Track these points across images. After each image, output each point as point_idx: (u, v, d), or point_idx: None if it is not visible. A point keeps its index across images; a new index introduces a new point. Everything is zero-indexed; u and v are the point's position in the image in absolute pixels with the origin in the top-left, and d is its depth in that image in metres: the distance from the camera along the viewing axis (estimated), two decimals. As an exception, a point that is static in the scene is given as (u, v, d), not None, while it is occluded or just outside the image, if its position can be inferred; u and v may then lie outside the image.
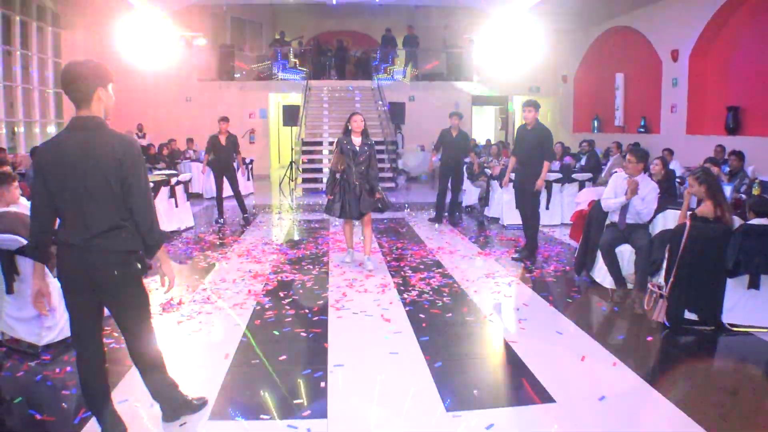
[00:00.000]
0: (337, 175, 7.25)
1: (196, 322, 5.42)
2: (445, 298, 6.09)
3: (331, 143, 17.41)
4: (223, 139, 10.61)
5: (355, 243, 8.21)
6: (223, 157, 10.63)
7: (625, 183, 6.20)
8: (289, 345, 4.86)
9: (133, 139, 3.12)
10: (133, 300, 3.15)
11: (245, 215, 10.99)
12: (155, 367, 3.40)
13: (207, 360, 4.58)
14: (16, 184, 5.14)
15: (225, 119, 10.79)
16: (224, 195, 10.99)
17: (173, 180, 9.82)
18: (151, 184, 8.50)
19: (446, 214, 10.98)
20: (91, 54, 16.01)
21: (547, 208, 10.28)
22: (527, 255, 7.94)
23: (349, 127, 7.25)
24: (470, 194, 12.23)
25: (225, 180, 10.78)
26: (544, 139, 7.83)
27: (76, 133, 2.98)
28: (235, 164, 10.90)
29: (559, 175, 10.50)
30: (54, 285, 4.02)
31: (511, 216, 10.22)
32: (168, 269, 3.29)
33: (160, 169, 12.80)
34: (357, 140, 7.21)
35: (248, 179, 15.18)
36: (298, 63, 21.19)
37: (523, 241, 8.34)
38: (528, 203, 7.96)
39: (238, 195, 10.94)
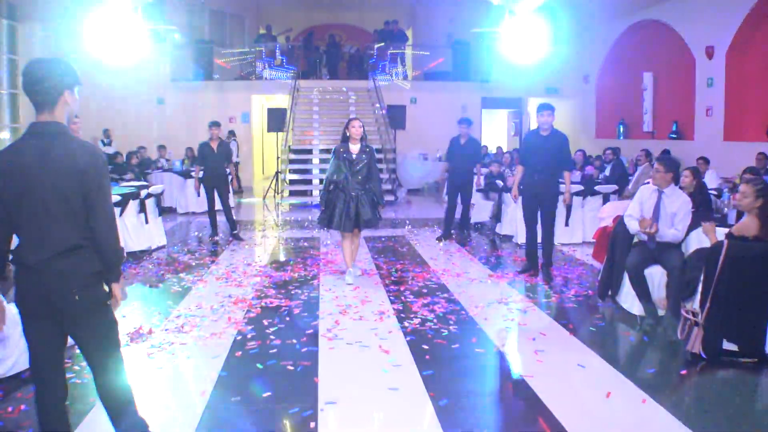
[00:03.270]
0: (331, 186, 7.65)
1: (168, 353, 5.41)
2: (451, 327, 6.09)
3: (322, 151, 17.47)
4: (215, 147, 10.63)
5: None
6: (215, 168, 10.69)
7: (654, 196, 6.22)
8: (275, 380, 4.85)
9: (98, 148, 3.13)
10: (100, 328, 3.15)
11: (234, 232, 10.96)
12: (124, 404, 3.31)
13: (181, 397, 4.57)
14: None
15: (216, 124, 10.84)
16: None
17: (143, 193, 9.82)
18: (118, 198, 8.56)
19: (454, 231, 11.02)
20: (51, 50, 16.07)
21: (567, 224, 10.29)
22: (546, 276, 8.09)
23: (348, 134, 7.71)
24: (480, 209, 12.24)
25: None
26: (563, 146, 8.00)
27: (35, 141, 2.99)
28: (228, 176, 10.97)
29: (581, 187, 10.52)
30: (9, 311, 4.02)
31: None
32: (117, 290, 3.18)
33: (128, 181, 12.82)
34: (354, 147, 7.67)
35: (230, 192, 15.19)
36: (285, 61, 21.28)
37: (542, 261, 8.36)
38: (545, 217, 8.09)
39: (227, 210, 10.94)
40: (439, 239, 10.78)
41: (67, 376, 4.54)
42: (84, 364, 4.99)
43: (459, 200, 10.97)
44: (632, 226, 6.27)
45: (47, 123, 3.02)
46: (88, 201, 2.98)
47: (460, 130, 10.67)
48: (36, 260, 2.97)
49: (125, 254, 2.91)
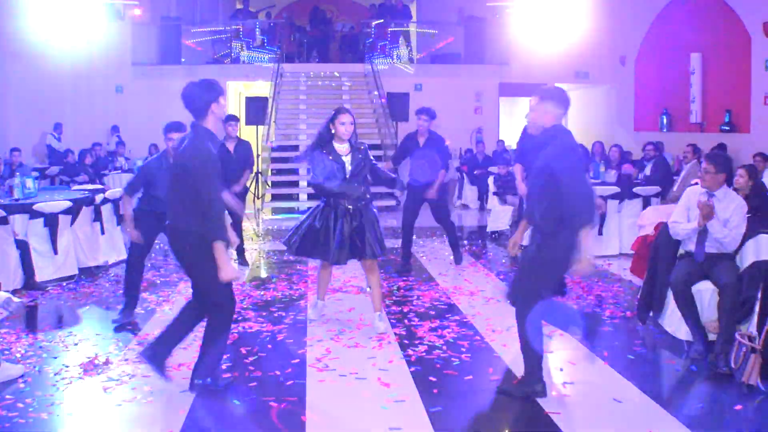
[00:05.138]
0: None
1: (128, 387, 5.41)
2: (463, 355, 6.10)
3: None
4: (231, 148, 9.59)
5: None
6: (232, 174, 9.28)
7: (703, 200, 6.21)
8: (255, 418, 4.87)
9: (207, 149, 4.90)
10: (200, 267, 5.03)
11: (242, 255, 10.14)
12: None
13: (143, 439, 4.58)
14: None
15: (234, 119, 9.81)
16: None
17: (99, 198, 9.81)
18: (68, 203, 8.62)
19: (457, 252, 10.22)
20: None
21: (600, 233, 10.27)
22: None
23: (332, 131, 6.73)
24: (497, 216, 12.24)
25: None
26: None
27: (186, 136, 5.11)
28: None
29: (616, 189, 10.52)
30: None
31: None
32: (217, 248, 4.91)
33: (81, 183, 12.82)
34: (342, 148, 6.75)
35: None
36: (266, 41, 21.32)
37: (570, 277, 8.36)
38: None
39: (240, 234, 9.85)
40: (400, 271, 9.61)
41: (10, 414, 4.61)
42: (28, 401, 5.04)
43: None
44: (677, 229, 6.27)
45: (196, 125, 5.00)
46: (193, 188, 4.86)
47: (417, 124, 9.51)
48: (169, 220, 5.08)
49: (223, 221, 4.98)
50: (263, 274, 9.52)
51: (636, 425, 4.68)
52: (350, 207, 6.64)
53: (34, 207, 8.60)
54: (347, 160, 6.68)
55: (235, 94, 20.85)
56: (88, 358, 6.02)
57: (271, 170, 17.26)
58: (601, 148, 14.24)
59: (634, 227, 9.58)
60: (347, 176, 6.65)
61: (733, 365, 5.42)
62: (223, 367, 5.79)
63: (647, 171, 12.72)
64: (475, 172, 15.59)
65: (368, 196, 6.82)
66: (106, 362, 5.94)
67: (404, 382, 5.48)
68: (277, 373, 5.70)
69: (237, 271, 5.14)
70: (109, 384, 5.47)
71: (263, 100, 17.15)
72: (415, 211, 9.74)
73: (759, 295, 5.43)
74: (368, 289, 7.34)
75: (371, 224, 6.70)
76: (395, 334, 6.71)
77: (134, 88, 19.26)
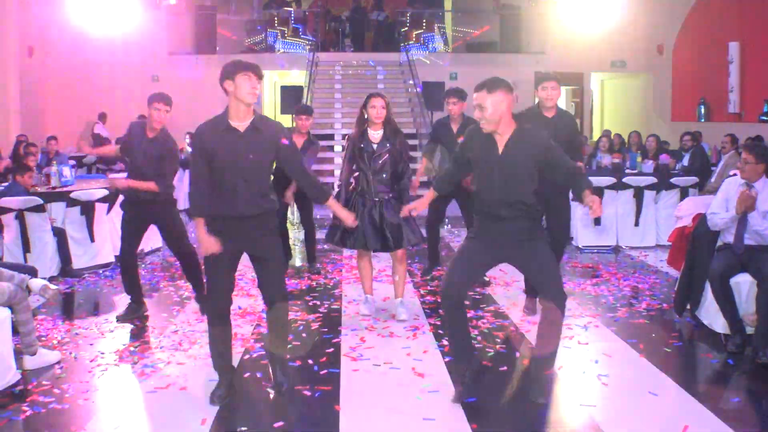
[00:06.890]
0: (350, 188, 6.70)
1: (163, 374, 5.46)
2: (498, 346, 6.08)
3: (345, 136, 17.48)
4: (301, 143, 8.31)
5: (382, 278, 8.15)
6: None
7: (744, 190, 6.13)
8: (288, 407, 4.89)
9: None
10: (273, 247, 5.31)
11: (312, 262, 9.14)
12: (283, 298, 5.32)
13: (178, 426, 4.61)
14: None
15: (306, 111, 8.67)
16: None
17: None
18: (105, 192, 8.68)
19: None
20: (33, 21, 16.29)
21: (637, 224, 10.22)
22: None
23: (366, 116, 6.64)
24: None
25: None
26: (573, 131, 7.16)
27: None
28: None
29: (653, 180, 10.44)
30: None
31: (588, 236, 10.16)
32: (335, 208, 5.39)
33: (117, 172, 12.91)
34: (376, 135, 6.62)
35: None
36: (301, 30, 21.36)
37: (606, 269, 8.29)
38: (555, 221, 7.01)
39: (311, 230, 9.03)
40: (425, 273, 8.83)
41: (46, 400, 4.65)
42: (64, 387, 5.09)
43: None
44: (716, 220, 6.18)
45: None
46: None
47: (447, 109, 8.49)
48: None
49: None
50: (297, 263, 9.53)
51: (672, 419, 4.63)
52: (376, 199, 6.56)
53: (71, 195, 8.70)
54: (377, 148, 6.56)
55: (270, 83, 20.92)
56: (124, 345, 6.09)
57: (306, 158, 17.30)
58: (638, 137, 14.12)
59: (671, 218, 9.49)
60: (373, 166, 6.53)
61: (772, 359, 5.35)
62: (255, 356, 5.82)
63: (685, 161, 12.60)
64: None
65: (396, 187, 6.67)
66: (141, 349, 6.00)
67: (438, 373, 5.46)
68: (311, 362, 5.71)
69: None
70: (144, 371, 5.52)
71: (298, 89, 17.22)
72: (443, 212, 8.74)
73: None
74: (396, 278, 7.06)
75: (398, 215, 6.39)
76: (430, 324, 6.71)
77: (170, 78, 19.35)
